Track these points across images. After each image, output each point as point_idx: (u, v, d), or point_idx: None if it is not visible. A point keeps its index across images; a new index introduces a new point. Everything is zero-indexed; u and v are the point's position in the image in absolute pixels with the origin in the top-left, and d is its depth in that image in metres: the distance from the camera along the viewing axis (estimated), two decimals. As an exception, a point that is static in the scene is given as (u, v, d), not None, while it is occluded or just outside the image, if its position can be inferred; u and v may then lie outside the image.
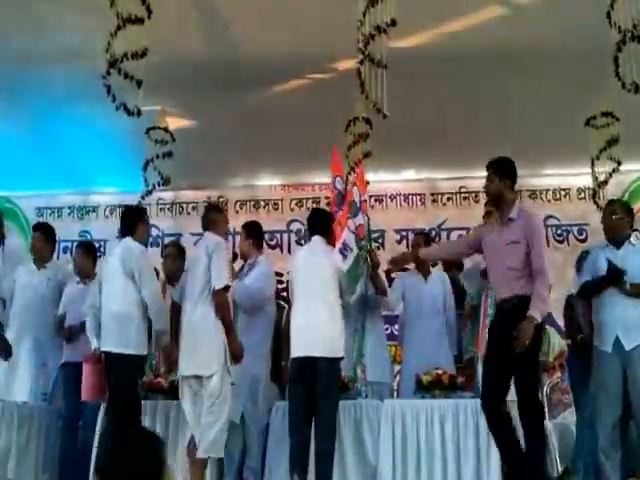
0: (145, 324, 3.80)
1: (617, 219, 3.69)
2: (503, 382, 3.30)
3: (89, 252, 4.81)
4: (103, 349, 3.74)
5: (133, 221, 3.95)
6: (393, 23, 3.22)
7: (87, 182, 7.44)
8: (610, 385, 3.53)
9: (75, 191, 7.66)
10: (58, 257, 6.17)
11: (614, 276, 3.54)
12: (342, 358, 3.63)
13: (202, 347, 3.59)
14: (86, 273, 4.68)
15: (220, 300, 3.62)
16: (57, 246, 5.48)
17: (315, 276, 3.68)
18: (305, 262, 3.81)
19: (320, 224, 3.92)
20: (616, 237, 3.69)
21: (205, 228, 3.91)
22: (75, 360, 4.39)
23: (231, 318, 3.71)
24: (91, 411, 4.27)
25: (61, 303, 4.61)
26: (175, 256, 4.64)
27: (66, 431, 4.36)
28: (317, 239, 3.84)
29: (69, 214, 7.66)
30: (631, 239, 3.67)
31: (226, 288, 3.64)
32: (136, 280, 3.72)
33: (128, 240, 3.88)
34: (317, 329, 3.57)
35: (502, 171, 3.47)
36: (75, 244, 4.87)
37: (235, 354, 3.60)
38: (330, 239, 3.91)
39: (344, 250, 4.25)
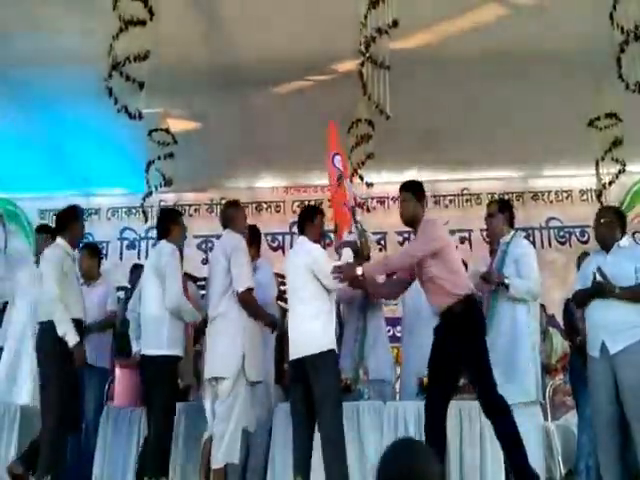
0: (179, 324, 3.79)
1: (605, 223, 3.65)
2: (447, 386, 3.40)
3: (94, 254, 4.83)
4: (141, 352, 3.80)
5: (166, 224, 3.98)
6: (395, 24, 3.22)
7: (89, 184, 7.45)
8: (601, 390, 3.50)
9: (77, 193, 7.65)
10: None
11: (597, 290, 3.54)
12: (332, 350, 3.52)
13: (219, 350, 3.63)
14: (91, 274, 4.69)
15: (245, 301, 3.65)
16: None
17: (293, 277, 3.67)
18: (287, 265, 3.81)
19: (301, 223, 3.85)
20: (605, 242, 3.66)
21: (224, 226, 3.90)
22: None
23: (261, 312, 3.75)
24: (93, 414, 4.29)
25: None
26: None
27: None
28: (301, 239, 3.80)
29: (71, 216, 7.65)
30: (620, 242, 3.62)
31: (249, 289, 3.65)
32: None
33: (162, 243, 3.91)
34: (298, 330, 3.54)
35: (415, 194, 3.56)
36: (80, 246, 4.86)
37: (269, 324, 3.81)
38: (313, 234, 3.79)
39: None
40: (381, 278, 4.00)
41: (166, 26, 3.73)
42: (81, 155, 6.63)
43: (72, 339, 3.66)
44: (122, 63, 3.55)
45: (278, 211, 7.59)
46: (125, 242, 7.65)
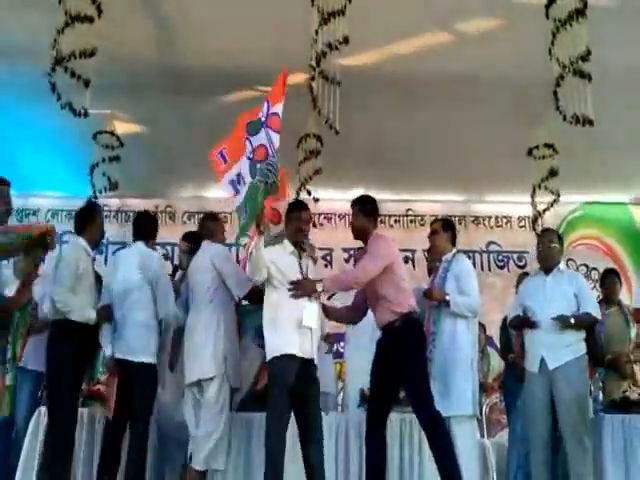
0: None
1: (552, 247, 3.87)
2: (385, 409, 3.46)
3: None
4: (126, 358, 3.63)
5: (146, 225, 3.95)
6: (346, 40, 3.28)
7: (28, 184, 7.18)
8: (537, 405, 3.64)
9: (15, 193, 7.36)
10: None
11: (524, 326, 3.80)
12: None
13: (203, 353, 3.59)
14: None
15: (252, 298, 3.75)
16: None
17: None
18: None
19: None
20: (548, 264, 3.86)
21: (204, 237, 3.88)
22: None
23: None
24: (24, 420, 4.10)
25: None
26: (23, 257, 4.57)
27: None
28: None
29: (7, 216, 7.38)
30: (560, 266, 3.83)
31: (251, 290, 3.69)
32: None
33: (140, 244, 3.81)
34: None
35: (366, 209, 3.63)
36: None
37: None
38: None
39: (237, 184, 3.99)
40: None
41: (114, 26, 3.68)
42: (19, 153, 6.41)
43: (88, 315, 3.57)
44: (67, 58, 3.47)
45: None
46: (65, 245, 7.40)
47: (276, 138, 3.60)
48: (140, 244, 3.81)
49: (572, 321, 3.61)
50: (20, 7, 4.29)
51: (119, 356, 3.61)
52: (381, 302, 3.46)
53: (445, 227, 4.15)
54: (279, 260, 3.49)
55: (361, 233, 3.60)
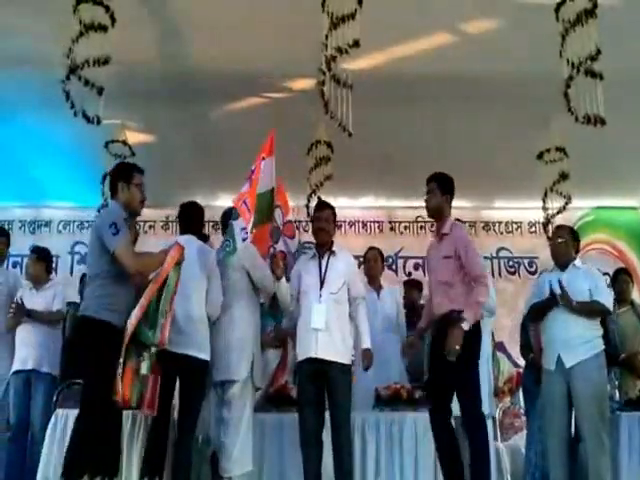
0: None
1: (562, 242, 3.84)
2: (446, 396, 3.34)
3: (42, 258, 4.69)
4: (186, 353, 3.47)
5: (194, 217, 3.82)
6: (356, 44, 3.29)
7: (40, 195, 7.26)
8: (555, 403, 3.62)
9: (27, 204, 7.47)
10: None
11: (553, 301, 3.68)
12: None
13: (233, 353, 3.58)
14: (39, 279, 4.56)
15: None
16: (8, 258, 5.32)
17: None
18: None
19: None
20: (561, 260, 3.84)
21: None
22: (24, 368, 4.29)
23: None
24: (40, 422, 4.15)
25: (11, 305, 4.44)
26: (37, 260, 4.61)
27: (13, 442, 4.23)
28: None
29: (20, 228, 7.44)
30: (575, 262, 3.79)
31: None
32: None
33: (193, 239, 3.67)
34: None
35: (444, 186, 3.53)
36: (29, 250, 4.74)
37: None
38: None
39: None
40: None
41: (125, 35, 3.71)
42: (32, 165, 6.46)
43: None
44: (81, 67, 3.51)
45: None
46: (76, 256, 7.46)
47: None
48: (193, 238, 3.67)
49: (574, 304, 3.57)
50: (30, 15, 4.31)
51: (180, 351, 3.40)
52: (445, 289, 3.38)
53: None
54: (302, 270, 3.70)
55: (436, 211, 3.52)
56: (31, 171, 6.61)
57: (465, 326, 3.18)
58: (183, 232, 3.73)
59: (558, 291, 3.61)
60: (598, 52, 3.39)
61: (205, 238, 3.92)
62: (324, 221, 3.71)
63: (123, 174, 3.27)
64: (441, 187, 3.52)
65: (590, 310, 3.63)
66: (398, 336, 4.42)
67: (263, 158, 3.91)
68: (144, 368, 3.01)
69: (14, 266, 6.84)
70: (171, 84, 5.21)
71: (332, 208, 3.85)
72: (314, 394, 3.51)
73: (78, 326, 3.13)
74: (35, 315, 4.37)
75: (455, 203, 7.97)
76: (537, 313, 3.82)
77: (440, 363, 3.29)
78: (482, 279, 3.33)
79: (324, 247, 3.72)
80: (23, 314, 4.33)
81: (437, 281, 3.45)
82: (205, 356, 3.50)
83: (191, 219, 3.79)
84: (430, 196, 3.54)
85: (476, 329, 3.30)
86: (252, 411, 3.62)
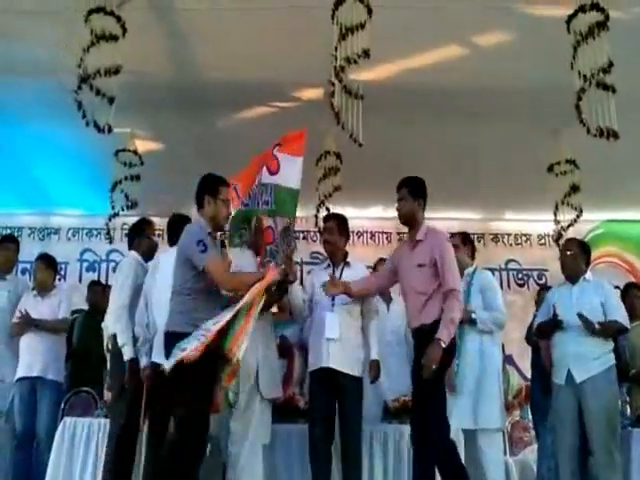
0: None
1: (571, 255, 3.81)
2: (422, 412, 3.20)
3: (49, 265, 4.71)
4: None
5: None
6: (366, 54, 3.29)
7: (49, 203, 7.28)
8: (565, 418, 3.60)
9: (36, 211, 7.50)
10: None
11: (557, 324, 3.69)
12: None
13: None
14: (44, 285, 4.58)
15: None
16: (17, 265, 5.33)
17: None
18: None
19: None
20: (571, 273, 3.81)
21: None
22: (30, 375, 4.29)
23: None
24: (46, 429, 4.15)
25: (17, 311, 4.46)
26: (43, 267, 4.65)
27: (19, 450, 4.22)
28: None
29: (29, 235, 7.47)
30: (586, 276, 3.76)
31: None
32: None
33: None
34: None
35: (415, 191, 3.40)
36: (36, 259, 4.76)
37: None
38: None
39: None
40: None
41: (134, 45, 3.73)
42: (41, 172, 6.48)
43: (128, 353, 3.56)
44: (92, 76, 3.53)
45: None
46: (85, 264, 7.47)
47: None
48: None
49: (596, 326, 3.54)
50: (42, 24, 4.33)
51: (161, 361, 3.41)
52: (419, 298, 3.23)
53: (464, 240, 4.12)
54: (315, 280, 3.71)
55: (408, 217, 3.38)
56: (41, 179, 6.64)
57: (442, 345, 3.04)
58: (170, 244, 3.79)
59: (560, 317, 3.63)
60: (610, 64, 3.36)
61: None
62: (327, 233, 3.72)
63: (210, 188, 3.26)
64: (412, 192, 3.38)
65: (611, 332, 3.62)
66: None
67: (279, 145, 3.89)
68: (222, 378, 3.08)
69: (23, 273, 6.85)
70: (180, 93, 5.23)
71: (337, 218, 3.81)
72: (325, 405, 3.49)
73: (167, 343, 3.07)
74: (41, 325, 4.39)
75: (464, 214, 8.03)
76: (543, 333, 3.83)
77: (416, 378, 3.19)
78: (455, 293, 3.14)
79: (337, 258, 3.70)
80: (30, 324, 4.34)
81: (410, 290, 3.30)
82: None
83: (175, 230, 3.78)
84: (402, 203, 3.39)
85: (450, 347, 3.16)
86: (260, 421, 3.58)
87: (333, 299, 3.58)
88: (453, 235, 4.14)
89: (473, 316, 3.72)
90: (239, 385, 3.54)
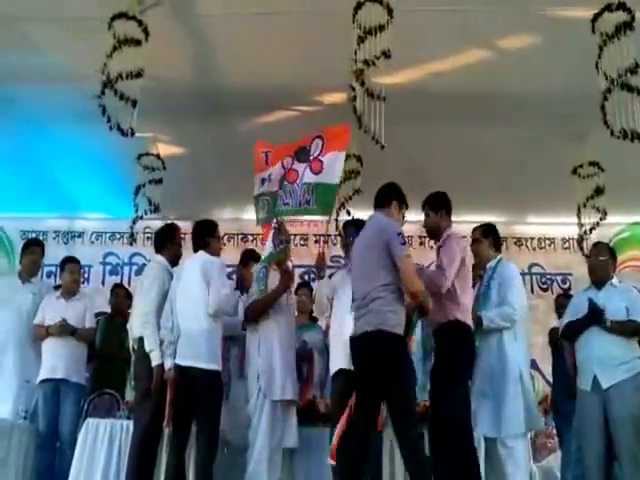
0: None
1: (602, 261, 3.75)
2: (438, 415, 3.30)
3: (77, 269, 4.79)
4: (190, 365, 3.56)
5: (204, 237, 3.86)
6: (386, 55, 3.28)
7: (73, 207, 7.39)
8: (591, 424, 3.53)
9: (61, 215, 7.61)
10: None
11: (594, 314, 3.58)
12: None
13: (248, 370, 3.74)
14: (72, 289, 4.64)
15: None
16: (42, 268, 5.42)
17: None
18: None
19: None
20: (599, 278, 3.76)
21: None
22: (53, 377, 4.34)
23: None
24: (69, 431, 4.21)
25: (39, 311, 4.53)
26: (71, 271, 4.71)
27: (41, 450, 4.26)
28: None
29: (54, 238, 7.58)
30: (612, 281, 3.70)
31: None
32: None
33: (201, 253, 3.78)
34: None
35: (436, 204, 3.59)
36: (63, 260, 4.82)
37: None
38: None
39: (265, 181, 4.24)
40: None
41: (156, 48, 3.77)
42: (66, 177, 6.58)
43: (156, 358, 3.59)
44: (115, 80, 3.57)
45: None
46: (108, 267, 7.56)
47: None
48: (202, 253, 3.78)
49: (608, 324, 3.48)
50: (65, 32, 4.41)
51: (184, 364, 3.54)
52: (436, 298, 3.29)
53: (485, 233, 4.03)
54: (338, 283, 3.80)
55: (434, 229, 3.57)
56: (65, 183, 6.74)
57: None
58: (195, 249, 3.84)
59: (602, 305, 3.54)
60: (636, 66, 3.31)
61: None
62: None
63: (401, 197, 3.49)
64: (433, 207, 3.59)
65: (626, 330, 3.54)
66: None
67: (318, 137, 3.96)
68: None
69: (48, 276, 6.97)
70: (202, 98, 5.27)
71: (352, 224, 3.92)
72: (343, 408, 3.45)
73: (375, 339, 3.04)
74: (78, 334, 4.44)
75: (487, 218, 7.92)
76: (572, 331, 3.73)
77: (435, 379, 3.34)
78: (436, 274, 3.28)
79: None
80: (68, 332, 4.39)
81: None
82: (211, 366, 3.52)
83: (201, 236, 3.88)
84: (426, 220, 3.60)
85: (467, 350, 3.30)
86: (267, 425, 3.60)
87: (353, 300, 3.57)
88: (475, 229, 4.06)
89: (478, 315, 3.63)
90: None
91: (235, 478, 3.66)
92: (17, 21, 4.40)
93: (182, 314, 3.62)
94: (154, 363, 3.58)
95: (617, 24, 3.32)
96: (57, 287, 4.85)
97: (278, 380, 3.68)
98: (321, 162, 3.87)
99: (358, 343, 3.09)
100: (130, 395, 4.41)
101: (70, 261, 4.77)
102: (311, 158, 3.88)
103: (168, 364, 3.58)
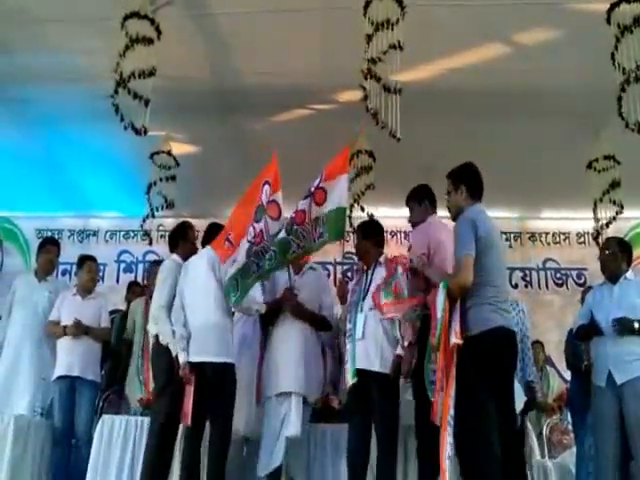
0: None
1: (610, 254, 3.71)
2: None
3: (95, 267, 4.81)
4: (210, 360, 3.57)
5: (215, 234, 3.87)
6: (396, 47, 3.26)
7: (88, 205, 7.44)
8: (606, 421, 3.49)
9: (76, 214, 7.67)
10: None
11: (590, 332, 3.65)
12: None
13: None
14: (88, 287, 4.66)
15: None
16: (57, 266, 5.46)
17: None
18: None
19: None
20: (611, 272, 3.71)
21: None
22: (69, 374, 4.37)
23: None
24: (84, 428, 4.25)
25: (55, 309, 4.56)
26: (89, 269, 4.72)
27: (56, 447, 4.30)
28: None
29: (69, 237, 7.64)
30: (627, 275, 3.66)
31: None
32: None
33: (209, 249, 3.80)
34: None
35: (418, 197, 3.76)
36: (81, 258, 4.85)
37: None
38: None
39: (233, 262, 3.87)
40: None
41: (169, 47, 3.77)
42: (80, 176, 6.62)
43: (174, 349, 3.58)
44: (128, 79, 3.58)
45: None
46: (122, 265, 7.61)
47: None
48: (208, 249, 3.81)
49: (636, 325, 3.43)
50: (78, 32, 4.42)
51: (197, 359, 3.54)
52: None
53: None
54: (354, 283, 3.84)
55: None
56: (80, 182, 6.79)
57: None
58: (203, 246, 3.93)
59: (602, 324, 3.54)
60: (653, 59, 3.26)
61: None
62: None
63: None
64: (417, 201, 3.76)
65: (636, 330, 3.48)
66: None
67: (267, 183, 3.90)
68: None
69: (63, 274, 7.02)
70: (215, 96, 5.27)
71: (367, 226, 3.97)
72: (356, 406, 3.49)
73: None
74: (91, 333, 4.47)
75: (501, 213, 7.91)
76: (583, 336, 3.77)
77: None
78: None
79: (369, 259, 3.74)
80: (82, 332, 4.41)
81: None
82: (225, 359, 3.55)
83: (206, 233, 3.96)
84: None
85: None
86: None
87: (363, 299, 3.57)
88: None
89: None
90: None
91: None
92: (31, 22, 4.42)
93: (191, 309, 3.65)
94: (174, 354, 3.58)
95: (636, 15, 3.27)
96: None
97: (273, 374, 3.75)
98: (324, 190, 3.78)
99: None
100: (140, 392, 4.42)
101: (88, 259, 4.80)
102: (312, 189, 3.78)
103: (182, 359, 3.58)
